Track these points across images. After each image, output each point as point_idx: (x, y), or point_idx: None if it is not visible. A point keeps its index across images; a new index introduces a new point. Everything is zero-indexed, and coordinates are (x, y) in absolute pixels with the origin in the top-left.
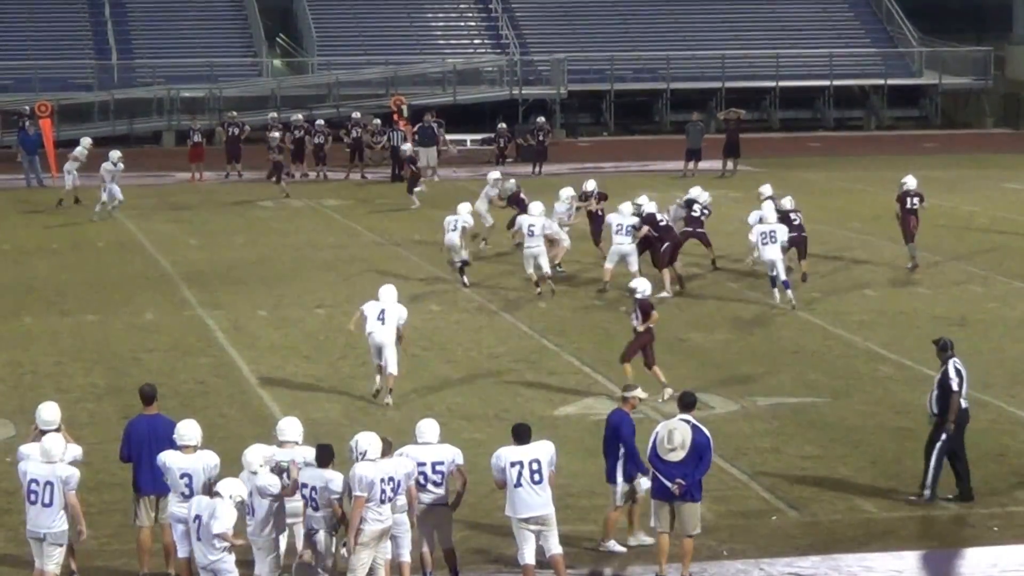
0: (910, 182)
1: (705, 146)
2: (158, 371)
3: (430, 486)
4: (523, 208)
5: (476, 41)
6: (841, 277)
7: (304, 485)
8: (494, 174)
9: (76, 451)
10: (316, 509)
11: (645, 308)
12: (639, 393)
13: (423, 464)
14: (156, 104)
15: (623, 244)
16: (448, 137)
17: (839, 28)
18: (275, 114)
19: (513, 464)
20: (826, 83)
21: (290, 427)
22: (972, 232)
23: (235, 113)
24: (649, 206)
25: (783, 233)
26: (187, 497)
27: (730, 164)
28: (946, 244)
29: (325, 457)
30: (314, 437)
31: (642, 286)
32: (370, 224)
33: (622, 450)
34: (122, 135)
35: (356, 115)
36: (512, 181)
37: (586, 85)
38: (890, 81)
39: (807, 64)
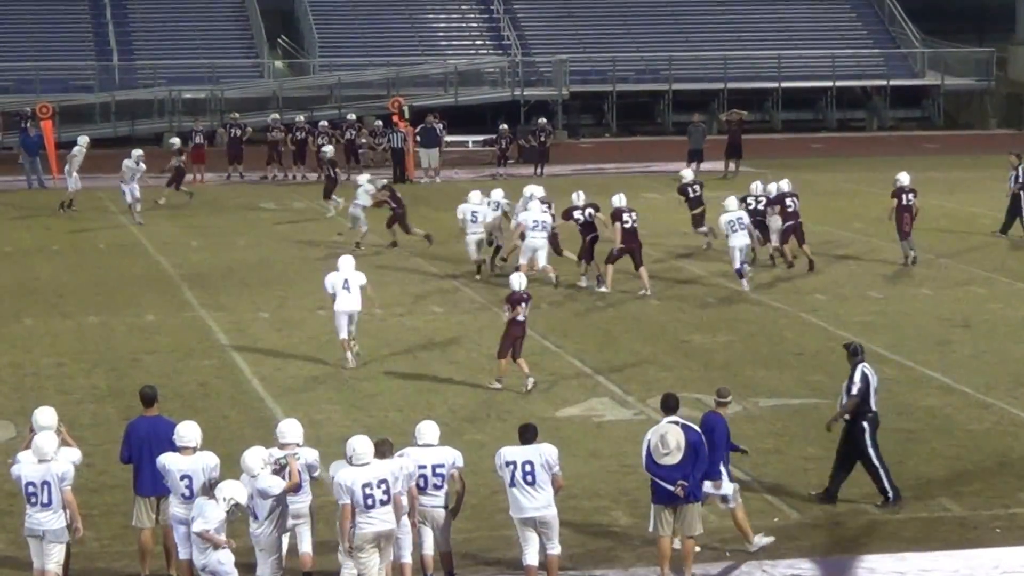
0: (904, 178)
1: (707, 147)
2: (159, 373)
3: (430, 489)
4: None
5: (478, 42)
6: (843, 278)
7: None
8: (363, 176)
9: (76, 454)
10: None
11: (511, 300)
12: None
13: (423, 466)
14: (157, 105)
15: (536, 239)
16: (448, 139)
17: (841, 29)
18: (276, 115)
19: (508, 463)
20: (828, 84)
21: (291, 429)
22: (975, 233)
23: (236, 114)
24: (617, 199)
25: (747, 219)
26: (188, 499)
27: (732, 165)
28: (949, 245)
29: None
30: (316, 439)
31: (516, 281)
32: (372, 225)
33: (726, 452)
34: (123, 136)
35: (351, 117)
36: (382, 182)
37: (588, 86)
38: (892, 82)
39: (809, 65)
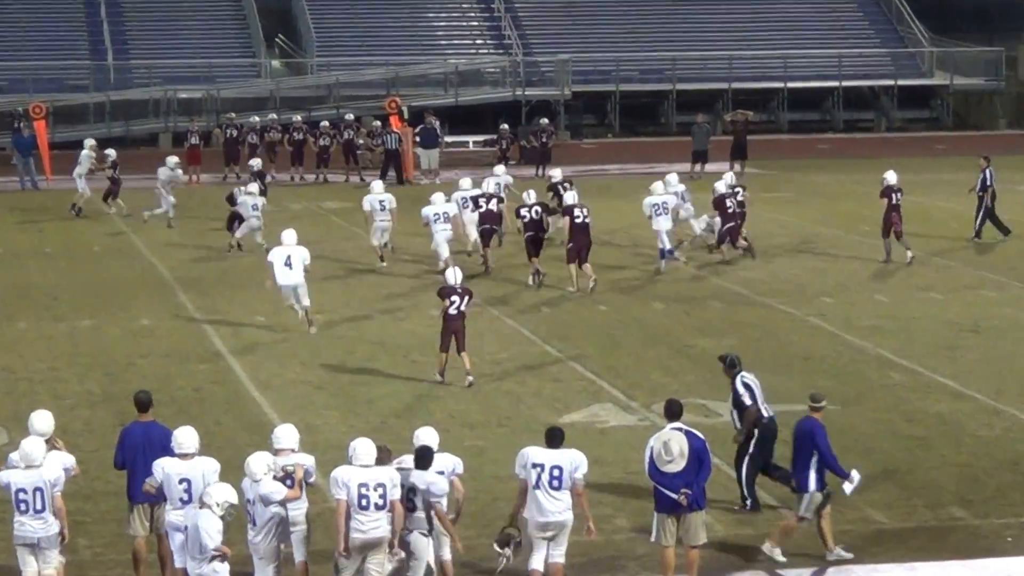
0: (891, 177)
1: (712, 148)
2: (154, 377)
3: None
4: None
5: (478, 41)
6: (851, 282)
7: (400, 487)
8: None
9: (69, 460)
10: (413, 510)
11: (441, 294)
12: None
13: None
14: (153, 105)
15: (444, 231)
16: (448, 139)
17: (848, 28)
18: (274, 115)
19: (535, 465)
20: (835, 84)
21: (286, 435)
22: (985, 236)
23: (233, 115)
24: (570, 197)
25: (672, 202)
26: (185, 503)
27: (737, 166)
28: (958, 248)
29: (426, 460)
30: (313, 445)
31: (451, 275)
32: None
33: (814, 458)
34: (118, 137)
35: (349, 116)
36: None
37: (590, 86)
38: (900, 82)
39: (816, 65)
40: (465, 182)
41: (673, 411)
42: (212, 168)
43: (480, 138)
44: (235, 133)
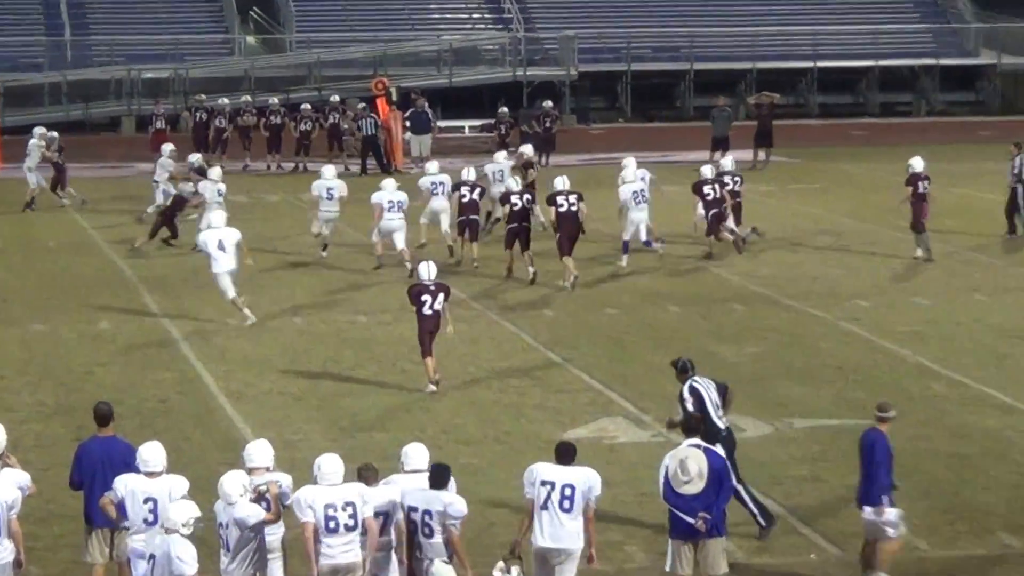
0: (917, 163)
1: (733, 135)
2: (114, 387)
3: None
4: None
5: (475, 16)
6: (887, 282)
7: (414, 509)
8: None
9: (23, 478)
10: (430, 536)
11: (412, 293)
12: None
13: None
14: (114, 86)
15: (393, 220)
16: (442, 124)
17: (885, 2)
18: (248, 97)
19: (544, 483)
20: (871, 64)
21: (260, 452)
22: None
23: (203, 96)
24: (559, 181)
25: (648, 191)
26: (150, 524)
27: (762, 154)
28: (1006, 245)
29: (441, 478)
30: (291, 463)
31: (424, 270)
32: (354, 220)
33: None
34: (76, 121)
35: (335, 98)
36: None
37: (599, 65)
38: (942, 61)
39: (849, 42)
40: (432, 166)
41: (691, 426)
42: (180, 156)
43: (477, 123)
44: (205, 117)
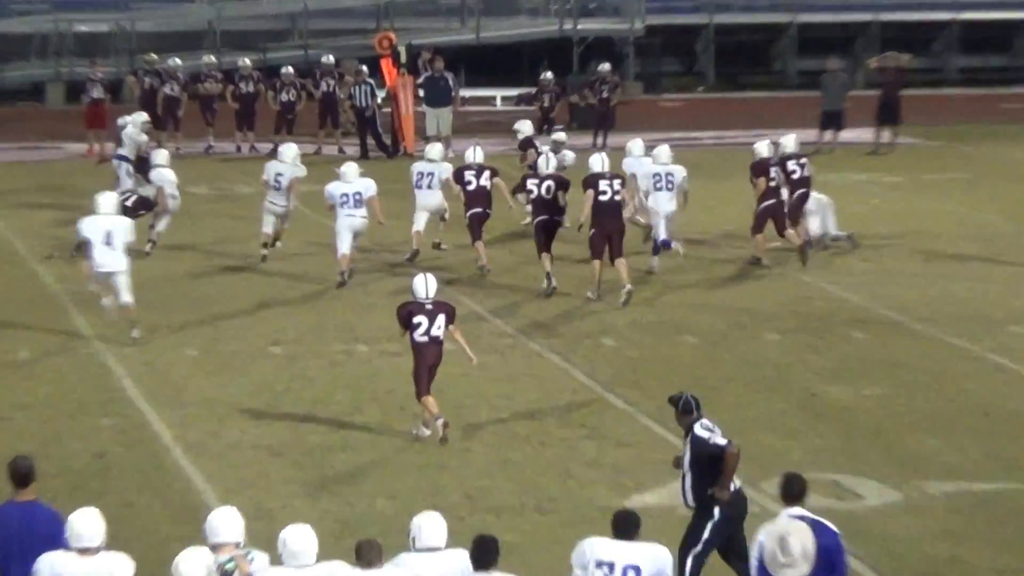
0: None
1: (849, 107)
2: (37, 437)
3: None
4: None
5: None
6: None
7: None
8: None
9: None
10: None
11: (404, 314)
12: None
13: None
14: (38, 43)
15: (353, 217)
16: (466, 94)
17: None
18: (212, 58)
19: (600, 564)
20: None
21: (225, 523)
22: None
23: (154, 56)
24: (596, 161)
25: (680, 175)
26: None
27: (886, 134)
28: None
29: (488, 556)
30: (268, 538)
31: (421, 285)
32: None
33: None
34: None
35: (327, 59)
36: None
37: (673, 17)
38: None
39: None
40: (433, 150)
41: (792, 491)
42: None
43: (512, 92)
44: (156, 83)
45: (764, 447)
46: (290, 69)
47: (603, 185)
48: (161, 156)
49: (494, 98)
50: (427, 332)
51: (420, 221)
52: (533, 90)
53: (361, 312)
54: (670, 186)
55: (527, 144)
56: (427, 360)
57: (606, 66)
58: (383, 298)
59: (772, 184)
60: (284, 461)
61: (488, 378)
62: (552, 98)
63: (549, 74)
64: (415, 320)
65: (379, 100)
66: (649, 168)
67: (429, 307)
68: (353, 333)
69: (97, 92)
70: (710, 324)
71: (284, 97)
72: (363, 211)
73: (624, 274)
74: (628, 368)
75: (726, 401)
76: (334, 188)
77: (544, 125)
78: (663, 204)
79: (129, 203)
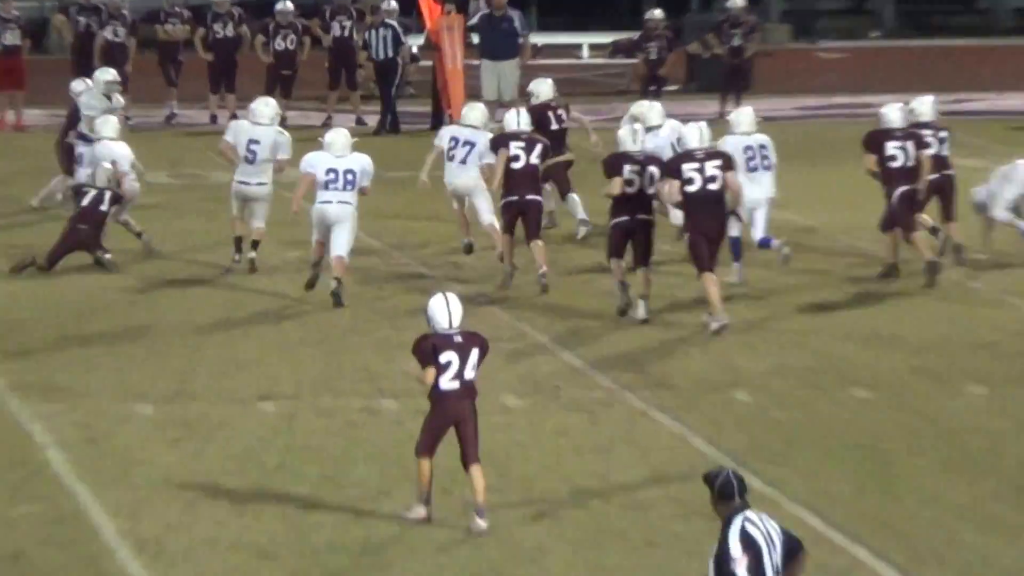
0: None
1: None
2: None
3: None
4: None
5: None
6: None
7: None
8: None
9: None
10: None
11: (420, 350)
12: None
13: None
14: None
15: (340, 204)
16: (538, 40)
17: None
18: None
19: None
20: None
21: None
22: None
23: None
24: (693, 134)
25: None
26: None
27: None
28: None
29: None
30: None
31: (440, 310)
32: (371, 221)
33: None
34: None
35: None
36: None
37: None
38: None
39: None
40: (474, 113)
41: None
42: (50, 94)
43: (604, 39)
44: (95, 24)
45: (966, 545)
46: (288, 4)
47: (691, 171)
48: (108, 126)
49: (579, 47)
50: (459, 375)
51: (485, 211)
52: (635, 36)
53: (387, 352)
54: (767, 163)
55: (545, 108)
56: (454, 414)
57: (739, 1)
58: (418, 333)
59: (895, 164)
60: (277, 567)
61: (570, 447)
62: (662, 47)
63: (658, 12)
64: (442, 358)
65: (410, 49)
66: (739, 141)
67: (459, 340)
68: (376, 383)
69: (10, 37)
70: (886, 369)
71: (279, 44)
72: (351, 196)
73: (715, 295)
74: (771, 435)
75: (906, 482)
76: (317, 160)
77: (651, 85)
78: (763, 188)
79: (104, 205)
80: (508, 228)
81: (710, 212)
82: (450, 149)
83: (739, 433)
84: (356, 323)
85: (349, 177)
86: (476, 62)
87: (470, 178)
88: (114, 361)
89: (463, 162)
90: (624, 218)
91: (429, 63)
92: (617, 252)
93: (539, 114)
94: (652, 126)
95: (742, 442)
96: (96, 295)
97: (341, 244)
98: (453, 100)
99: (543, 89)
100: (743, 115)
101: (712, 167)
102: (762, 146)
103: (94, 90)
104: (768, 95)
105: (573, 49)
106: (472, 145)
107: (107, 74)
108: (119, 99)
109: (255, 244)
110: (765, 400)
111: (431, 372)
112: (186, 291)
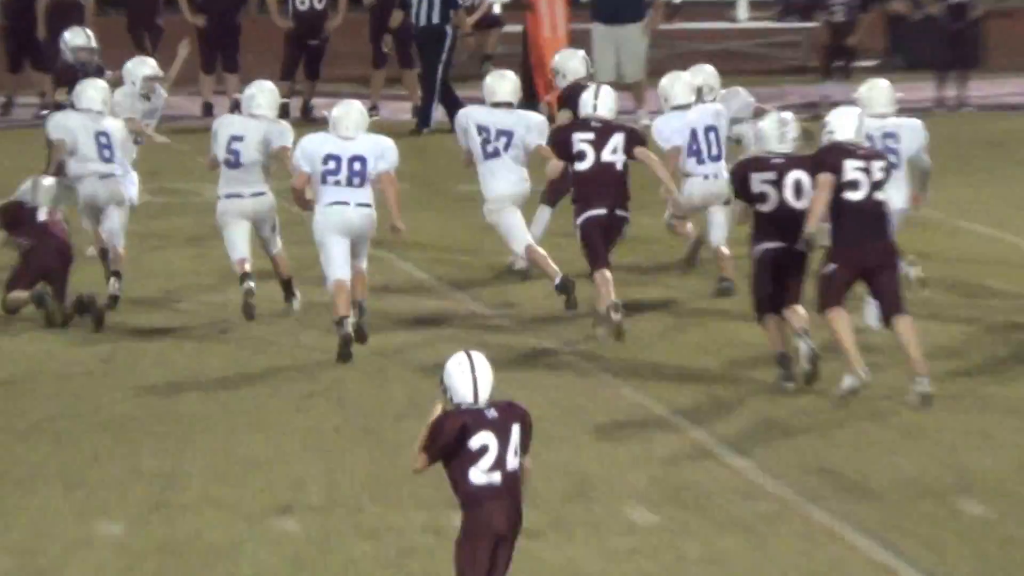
0: None
1: None
2: None
3: None
4: None
5: None
6: None
7: None
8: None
9: None
10: None
11: (439, 435)
12: None
13: None
14: None
15: (348, 207)
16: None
17: None
18: None
19: None
20: None
21: None
22: None
23: None
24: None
25: (915, 138)
26: None
27: None
28: None
29: None
30: None
31: (461, 380)
32: (419, 250)
33: None
34: None
35: None
36: None
37: None
38: None
39: None
40: (505, 85)
41: None
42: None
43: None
44: None
45: None
46: None
47: (855, 169)
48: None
49: (733, 5)
50: (500, 464)
51: (530, 230)
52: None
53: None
54: (895, 159)
55: (570, 96)
56: (497, 524)
57: None
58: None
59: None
60: None
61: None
62: (852, 5)
63: None
64: (474, 443)
65: (491, 7)
66: (874, 126)
67: (493, 416)
68: (444, 488)
69: None
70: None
71: (299, 5)
72: (366, 195)
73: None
74: (1014, 561)
75: None
76: (313, 146)
77: (836, 59)
78: (892, 196)
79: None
80: (595, 258)
81: (870, 232)
82: (484, 143)
83: (975, 561)
84: (414, 398)
85: (356, 167)
86: (586, 26)
87: (516, 178)
88: (67, 459)
89: (505, 154)
90: (775, 244)
91: (518, 28)
92: (766, 305)
93: (571, 95)
94: (677, 104)
95: (972, 571)
96: (41, 362)
97: (363, 257)
98: (541, 79)
99: (572, 65)
100: (878, 90)
101: (879, 169)
102: (888, 135)
103: (126, 88)
104: (1006, 73)
105: (725, 8)
106: (511, 135)
107: (144, 66)
108: (161, 95)
109: (287, 286)
110: (1001, 511)
111: (427, 458)
112: (168, 353)
